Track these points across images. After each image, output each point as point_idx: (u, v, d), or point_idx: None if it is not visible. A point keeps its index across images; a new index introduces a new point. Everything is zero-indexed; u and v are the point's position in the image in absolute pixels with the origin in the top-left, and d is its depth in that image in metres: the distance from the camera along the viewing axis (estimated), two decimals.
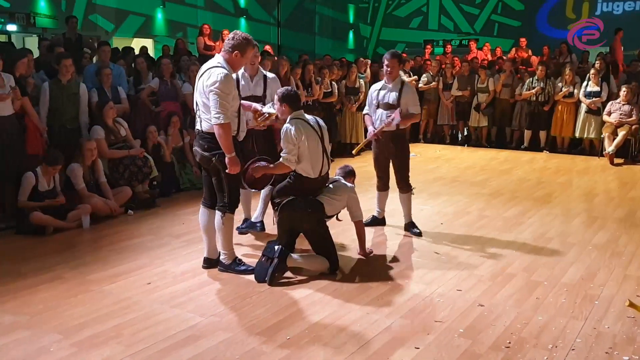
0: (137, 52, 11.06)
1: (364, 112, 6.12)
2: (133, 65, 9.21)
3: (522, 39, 14.59)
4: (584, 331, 3.80)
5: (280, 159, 4.76)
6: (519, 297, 4.35)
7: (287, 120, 4.80)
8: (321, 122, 4.99)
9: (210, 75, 4.40)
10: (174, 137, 8.03)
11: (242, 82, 5.45)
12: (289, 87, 5.12)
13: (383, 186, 6.05)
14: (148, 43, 14.18)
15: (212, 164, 4.57)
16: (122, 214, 6.65)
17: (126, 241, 5.73)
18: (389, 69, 5.69)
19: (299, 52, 13.90)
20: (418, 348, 3.55)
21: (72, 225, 6.13)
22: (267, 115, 5.01)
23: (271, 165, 4.84)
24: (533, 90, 11.15)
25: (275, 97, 4.87)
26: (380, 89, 5.85)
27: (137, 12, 14.58)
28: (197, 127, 4.65)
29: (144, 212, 6.81)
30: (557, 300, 4.29)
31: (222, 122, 4.35)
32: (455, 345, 3.59)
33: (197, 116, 4.64)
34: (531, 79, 11.32)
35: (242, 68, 5.42)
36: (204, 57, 10.33)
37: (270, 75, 5.66)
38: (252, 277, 4.65)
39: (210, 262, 4.91)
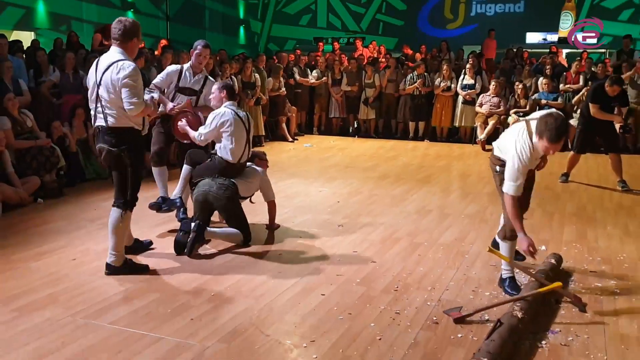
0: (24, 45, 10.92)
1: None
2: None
3: (406, 46, 15.71)
4: (456, 277, 4.65)
5: (197, 132, 5.39)
6: (404, 254, 5.16)
7: (222, 106, 5.41)
8: (249, 116, 5.65)
9: (118, 67, 4.32)
10: (78, 128, 8.24)
11: (185, 74, 5.81)
12: (229, 81, 5.69)
13: None
14: (29, 36, 13.80)
15: (120, 159, 4.50)
16: (32, 203, 6.83)
17: (42, 226, 5.98)
18: None
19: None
20: (324, 295, 4.24)
21: None
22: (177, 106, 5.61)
23: (190, 132, 5.46)
24: (415, 84, 12.22)
25: (216, 85, 5.51)
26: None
27: (16, 3, 14.07)
28: (100, 123, 4.48)
29: (53, 200, 7.01)
30: (435, 256, 5.15)
31: (144, 106, 4.41)
32: (353, 291, 4.32)
33: (97, 112, 4.48)
34: (412, 74, 12.40)
35: (189, 63, 5.86)
36: (99, 53, 10.52)
37: (212, 79, 6.06)
38: (171, 251, 5.11)
39: (126, 249, 4.86)
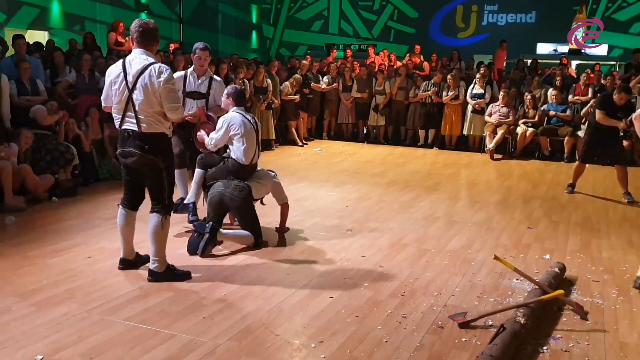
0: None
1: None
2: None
3: (417, 46, 15.82)
4: (462, 283, 4.75)
5: (209, 137, 5.58)
6: (412, 260, 5.27)
7: (230, 111, 5.58)
8: (257, 119, 5.81)
9: (156, 71, 4.27)
10: (93, 129, 8.40)
11: (190, 79, 5.96)
12: (238, 86, 5.82)
13: None
14: (43, 35, 14.00)
15: (154, 164, 4.43)
16: (47, 201, 6.98)
17: (57, 223, 6.13)
18: None
19: None
20: (332, 297, 4.35)
21: None
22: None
23: (206, 138, 5.62)
24: (429, 92, 12.31)
25: (225, 91, 5.62)
26: None
27: (31, 3, 14.32)
28: (131, 127, 4.40)
29: (67, 199, 7.16)
30: (442, 262, 5.25)
31: (182, 111, 4.54)
32: (361, 295, 4.43)
33: (126, 116, 4.41)
34: (427, 82, 12.50)
35: (191, 67, 5.99)
36: (116, 53, 10.76)
37: (217, 78, 6.14)
38: (184, 251, 5.24)
39: (127, 263, 4.82)
